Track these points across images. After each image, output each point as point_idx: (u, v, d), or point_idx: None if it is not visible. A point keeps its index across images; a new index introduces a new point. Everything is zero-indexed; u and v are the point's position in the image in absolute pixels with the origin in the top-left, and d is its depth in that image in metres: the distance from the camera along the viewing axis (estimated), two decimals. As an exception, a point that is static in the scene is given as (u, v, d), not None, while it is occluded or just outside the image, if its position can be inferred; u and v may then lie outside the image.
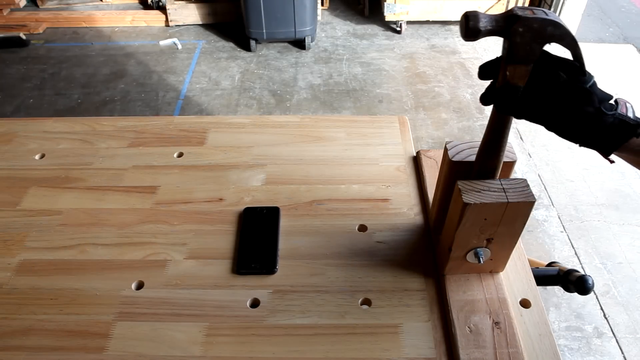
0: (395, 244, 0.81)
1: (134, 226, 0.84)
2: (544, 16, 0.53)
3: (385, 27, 3.60)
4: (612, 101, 0.56)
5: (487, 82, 0.61)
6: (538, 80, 0.56)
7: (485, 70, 0.60)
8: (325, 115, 1.27)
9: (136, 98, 2.92)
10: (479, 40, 3.72)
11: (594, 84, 0.56)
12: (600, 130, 0.56)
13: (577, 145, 0.59)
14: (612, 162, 0.59)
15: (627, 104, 0.57)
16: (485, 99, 0.60)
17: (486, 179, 0.64)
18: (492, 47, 3.37)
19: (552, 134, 0.59)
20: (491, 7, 3.37)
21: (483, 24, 0.53)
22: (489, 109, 0.61)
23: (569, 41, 0.54)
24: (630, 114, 0.56)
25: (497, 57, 0.59)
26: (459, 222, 0.63)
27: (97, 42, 3.47)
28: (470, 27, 0.53)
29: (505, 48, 0.55)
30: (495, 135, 0.62)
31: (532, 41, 0.53)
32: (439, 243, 0.76)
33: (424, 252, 0.79)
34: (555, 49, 0.52)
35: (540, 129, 0.62)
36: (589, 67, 0.56)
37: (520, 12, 0.53)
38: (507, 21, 0.53)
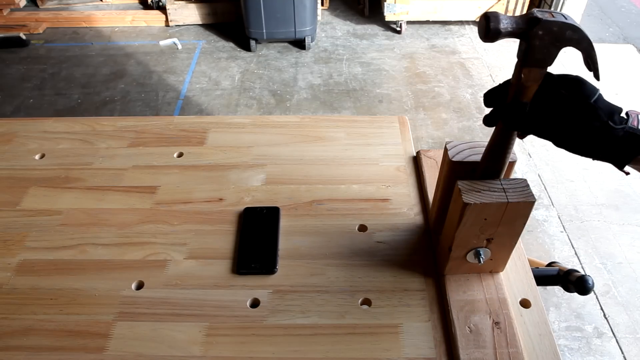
0: (395, 244, 0.81)
1: (134, 226, 0.84)
2: (564, 20, 0.52)
3: (385, 27, 3.60)
4: (623, 114, 0.56)
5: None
6: (542, 98, 0.56)
7: (492, 97, 0.60)
8: (325, 115, 1.27)
9: (136, 98, 2.92)
10: (479, 40, 3.70)
11: (600, 97, 0.55)
12: (609, 145, 0.55)
13: (591, 159, 0.59)
14: (627, 173, 0.58)
15: (639, 116, 0.56)
16: (490, 119, 0.59)
17: (491, 179, 0.64)
18: (492, 47, 3.37)
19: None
20: (491, 7, 3.37)
21: (504, 25, 0.52)
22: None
23: (586, 46, 0.53)
24: None
25: (504, 82, 0.59)
26: (459, 222, 0.63)
27: (97, 42, 3.47)
28: (492, 28, 0.52)
29: (522, 50, 0.55)
30: (500, 145, 0.62)
31: (551, 44, 0.53)
32: (439, 243, 0.76)
33: (424, 252, 0.79)
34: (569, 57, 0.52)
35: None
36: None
37: (540, 15, 0.52)
38: (528, 24, 0.53)
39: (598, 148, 0.56)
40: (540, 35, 0.52)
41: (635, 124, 0.55)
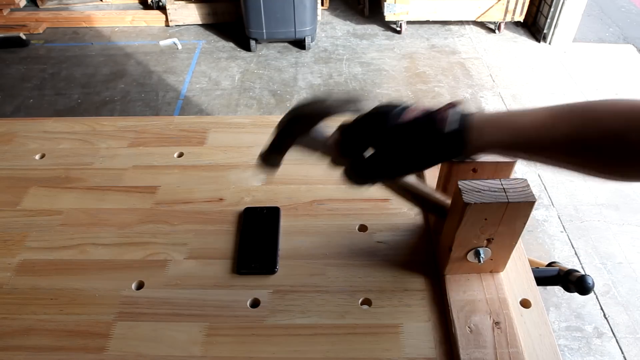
0: (396, 244, 0.81)
1: (134, 226, 0.84)
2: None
3: (385, 27, 3.60)
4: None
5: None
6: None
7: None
8: (325, 115, 1.27)
9: (136, 98, 2.92)
10: (479, 40, 3.69)
11: (394, 118, 0.58)
12: (437, 151, 0.56)
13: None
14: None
15: (448, 113, 0.55)
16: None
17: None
18: (492, 47, 3.37)
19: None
20: (491, 7, 3.37)
21: None
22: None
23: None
24: (453, 124, 0.54)
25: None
26: (459, 222, 0.63)
27: (97, 42, 3.47)
28: None
29: None
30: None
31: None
32: (439, 243, 0.76)
33: (424, 252, 0.79)
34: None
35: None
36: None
37: None
38: None
39: (433, 157, 0.57)
40: None
41: (443, 125, 0.55)
